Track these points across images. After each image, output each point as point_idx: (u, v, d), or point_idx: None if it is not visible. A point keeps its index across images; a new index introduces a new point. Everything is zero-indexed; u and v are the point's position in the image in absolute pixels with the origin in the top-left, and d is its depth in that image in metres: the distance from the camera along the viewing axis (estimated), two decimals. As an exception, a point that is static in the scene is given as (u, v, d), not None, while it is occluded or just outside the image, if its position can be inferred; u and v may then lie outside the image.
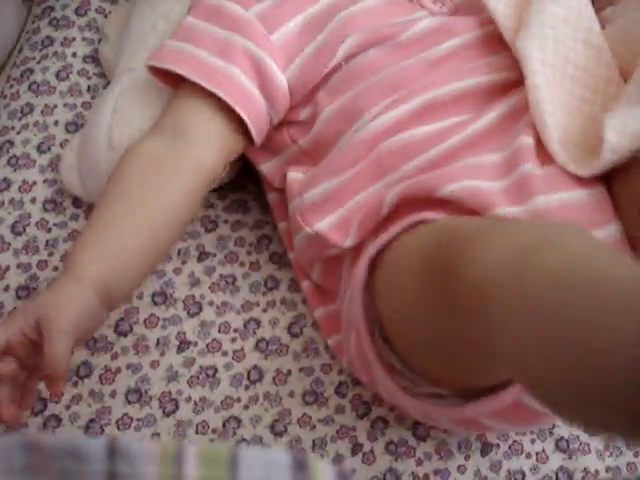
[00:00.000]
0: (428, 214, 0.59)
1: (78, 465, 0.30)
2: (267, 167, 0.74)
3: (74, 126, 0.82)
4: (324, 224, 0.66)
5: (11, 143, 0.81)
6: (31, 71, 0.85)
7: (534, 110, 0.62)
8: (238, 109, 0.67)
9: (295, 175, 0.70)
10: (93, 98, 0.84)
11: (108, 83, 0.85)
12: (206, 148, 0.68)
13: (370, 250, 0.61)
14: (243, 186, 0.80)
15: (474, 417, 0.61)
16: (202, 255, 0.76)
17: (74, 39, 0.87)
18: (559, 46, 0.65)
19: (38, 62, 0.86)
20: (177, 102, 0.70)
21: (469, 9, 0.76)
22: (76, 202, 0.78)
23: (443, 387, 0.61)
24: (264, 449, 0.33)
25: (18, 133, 0.81)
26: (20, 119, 0.82)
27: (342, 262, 0.68)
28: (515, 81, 0.67)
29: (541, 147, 0.62)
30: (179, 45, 0.70)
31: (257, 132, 0.69)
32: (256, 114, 0.69)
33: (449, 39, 0.70)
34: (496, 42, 0.70)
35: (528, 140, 0.61)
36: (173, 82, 0.71)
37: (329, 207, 0.66)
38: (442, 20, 0.72)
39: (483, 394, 0.59)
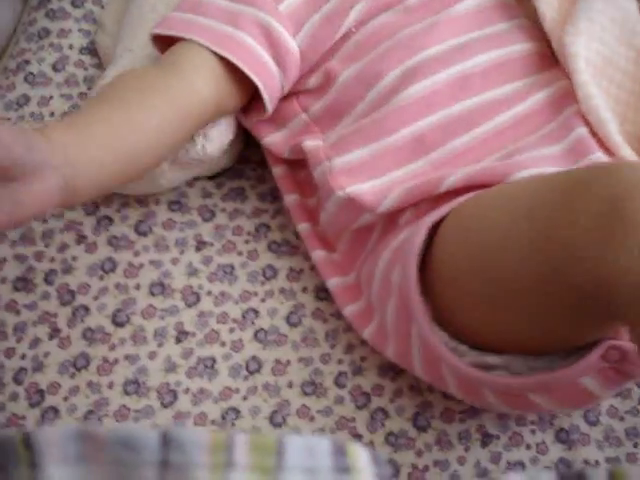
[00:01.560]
0: None
1: (132, 455, 0.30)
2: (273, 139, 0.73)
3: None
4: (359, 188, 0.65)
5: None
6: (27, 62, 0.85)
7: (585, 106, 0.64)
8: (252, 76, 0.67)
9: (315, 142, 0.69)
10: (89, 89, 0.83)
11: (105, 73, 0.84)
12: (201, 80, 0.67)
13: (431, 217, 0.60)
14: (241, 173, 0.79)
15: (535, 388, 0.58)
16: (200, 245, 0.75)
17: (70, 30, 0.87)
18: (603, 47, 0.66)
19: (34, 53, 0.85)
20: (177, 48, 0.69)
21: None
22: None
23: (509, 351, 0.58)
24: (306, 436, 0.33)
25: (14, 125, 0.81)
26: (16, 110, 0.82)
27: (368, 234, 0.68)
28: (545, 54, 0.69)
29: (597, 139, 0.64)
30: (185, 15, 0.70)
31: (270, 99, 0.69)
32: (269, 80, 0.68)
33: (460, 1, 0.71)
34: (511, 5, 0.73)
35: (584, 131, 0.64)
36: None
37: (366, 173, 0.66)
38: None
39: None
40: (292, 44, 0.69)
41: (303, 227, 0.73)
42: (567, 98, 0.66)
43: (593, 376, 0.56)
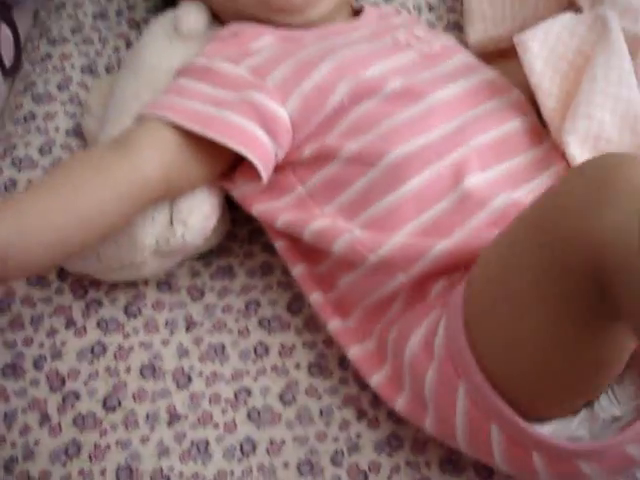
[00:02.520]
0: None
1: None
2: (264, 208, 0.73)
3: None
4: (391, 247, 0.65)
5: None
6: (14, 147, 0.85)
7: None
8: (241, 149, 0.68)
9: (324, 222, 0.69)
10: (76, 171, 0.84)
11: (91, 155, 0.85)
12: (149, 157, 0.67)
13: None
14: (228, 250, 0.79)
15: (589, 455, 0.58)
16: (190, 325, 0.75)
17: (56, 113, 0.88)
18: (603, 142, 0.68)
19: (21, 137, 0.86)
20: (139, 125, 0.70)
21: (457, 49, 0.81)
22: (61, 275, 0.77)
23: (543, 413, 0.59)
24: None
25: (2, 209, 0.81)
26: (4, 195, 0.82)
27: (390, 301, 0.67)
28: (536, 126, 0.73)
29: None
30: (171, 98, 0.71)
31: (264, 168, 0.69)
32: (261, 151, 0.69)
33: (451, 83, 0.73)
34: (500, 84, 0.76)
35: None
36: None
37: (394, 237, 0.66)
38: (429, 60, 0.75)
39: None
40: (280, 112, 0.70)
41: (315, 297, 0.72)
42: None
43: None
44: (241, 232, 0.76)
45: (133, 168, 0.66)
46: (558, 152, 0.70)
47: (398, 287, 0.66)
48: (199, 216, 0.72)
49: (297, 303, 0.74)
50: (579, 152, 0.67)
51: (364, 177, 0.69)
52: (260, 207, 0.73)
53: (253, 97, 0.69)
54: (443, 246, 0.63)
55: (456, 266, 0.63)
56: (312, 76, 0.71)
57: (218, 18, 0.85)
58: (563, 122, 0.68)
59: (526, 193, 0.67)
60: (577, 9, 0.79)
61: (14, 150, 0.85)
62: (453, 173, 0.67)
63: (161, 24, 0.84)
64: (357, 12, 0.87)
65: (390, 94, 0.71)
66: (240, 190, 0.73)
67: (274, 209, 0.72)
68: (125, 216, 0.67)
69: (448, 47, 0.80)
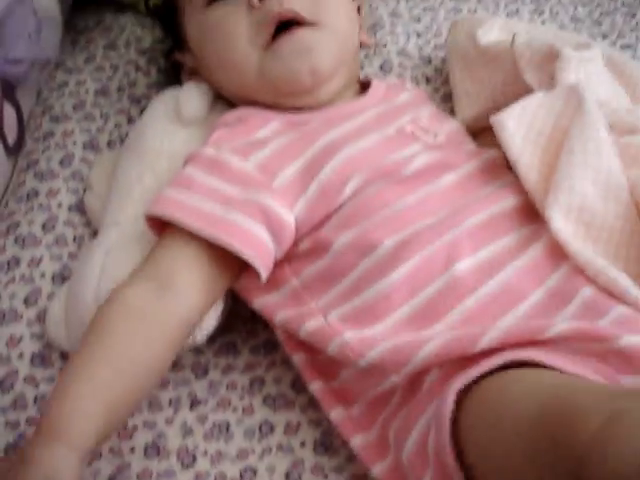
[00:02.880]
0: (531, 353, 0.58)
1: None
2: (263, 303, 0.73)
3: (61, 278, 0.82)
4: (380, 352, 0.64)
5: (-3, 298, 0.81)
6: (17, 224, 0.86)
7: (592, 271, 0.65)
8: (245, 253, 0.67)
9: (317, 322, 0.68)
10: (79, 248, 0.84)
11: (94, 232, 0.85)
12: (189, 301, 0.68)
13: (458, 383, 0.58)
14: (232, 327, 0.79)
15: None
16: (194, 403, 0.74)
17: (59, 190, 0.88)
18: (587, 213, 0.68)
19: (24, 215, 0.87)
20: (163, 246, 0.70)
21: (460, 138, 0.81)
22: (64, 356, 0.77)
23: None
24: None
25: (5, 287, 0.81)
26: (7, 272, 0.82)
27: (390, 393, 0.66)
28: (526, 204, 0.71)
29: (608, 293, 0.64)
30: (178, 193, 0.70)
31: (265, 271, 0.69)
32: (263, 254, 0.69)
33: (450, 171, 0.74)
34: (496, 169, 0.76)
35: (590, 291, 0.64)
36: (162, 229, 0.71)
37: (381, 340, 0.65)
38: (440, 154, 0.75)
39: None
40: (288, 218, 0.70)
41: (316, 386, 0.71)
42: (558, 253, 0.67)
43: None
44: (244, 310, 0.76)
45: (179, 305, 0.67)
46: (545, 226, 0.70)
47: (393, 385, 0.66)
48: (213, 316, 0.72)
49: (301, 381, 0.73)
50: (562, 225, 0.67)
51: (358, 267, 0.69)
52: (259, 302, 0.73)
53: (261, 199, 0.69)
54: (432, 346, 0.62)
55: (447, 359, 0.62)
56: (319, 179, 0.71)
57: (222, 97, 0.86)
58: (546, 197, 0.69)
59: (514, 270, 0.67)
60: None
61: (17, 228, 0.85)
62: (444, 257, 0.67)
63: (164, 103, 0.85)
64: (364, 84, 0.87)
65: (404, 177, 0.72)
66: (239, 283, 0.73)
67: (272, 305, 0.72)
68: (179, 345, 0.69)
69: (451, 137, 0.81)
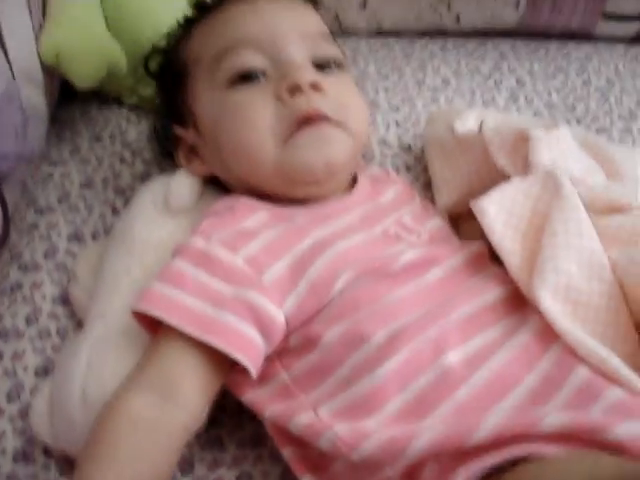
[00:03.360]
0: (530, 447, 0.58)
1: None
2: (252, 397, 0.72)
3: (44, 371, 0.81)
4: (373, 444, 0.63)
5: (-22, 393, 0.79)
6: (0, 317, 0.85)
7: (584, 351, 0.65)
8: (238, 356, 0.67)
9: (307, 416, 0.67)
10: (63, 340, 0.84)
11: (79, 323, 0.85)
12: (193, 408, 0.68)
13: (461, 478, 0.58)
14: (218, 421, 0.78)
15: None
16: (180, 499, 0.73)
17: (43, 282, 0.88)
18: (574, 292, 0.69)
19: (7, 307, 0.86)
20: (160, 350, 0.69)
21: (443, 234, 0.83)
22: (47, 453, 0.76)
23: None
24: None
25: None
26: (-11, 371, 0.81)
27: None
28: (513, 294, 0.72)
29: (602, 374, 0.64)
30: (168, 290, 0.70)
31: (255, 370, 0.69)
32: (254, 354, 0.68)
33: (436, 266, 0.74)
34: (480, 261, 0.77)
35: (585, 372, 0.64)
36: (152, 325, 0.71)
37: (373, 432, 0.64)
38: (425, 250, 0.76)
39: None
40: (278, 315, 0.70)
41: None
42: (547, 335, 0.67)
43: None
44: (230, 402, 0.75)
45: (184, 414, 0.67)
46: (534, 309, 0.70)
47: (388, 477, 0.65)
48: None
49: (290, 475, 0.72)
50: (551, 304, 0.68)
51: (348, 361, 0.68)
52: (249, 396, 0.72)
53: (251, 297, 0.69)
54: (425, 438, 0.61)
55: (442, 451, 0.62)
56: (308, 276, 0.71)
57: (212, 182, 0.86)
58: (531, 279, 0.70)
59: (504, 357, 0.67)
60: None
61: (0, 321, 0.85)
62: (433, 349, 0.67)
63: (151, 193, 0.85)
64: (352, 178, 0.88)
65: (393, 272, 0.73)
66: (229, 378, 0.72)
67: (262, 399, 0.71)
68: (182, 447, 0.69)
69: (435, 234, 0.82)
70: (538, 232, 0.73)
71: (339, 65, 0.84)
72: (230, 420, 0.79)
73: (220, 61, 0.81)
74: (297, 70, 0.78)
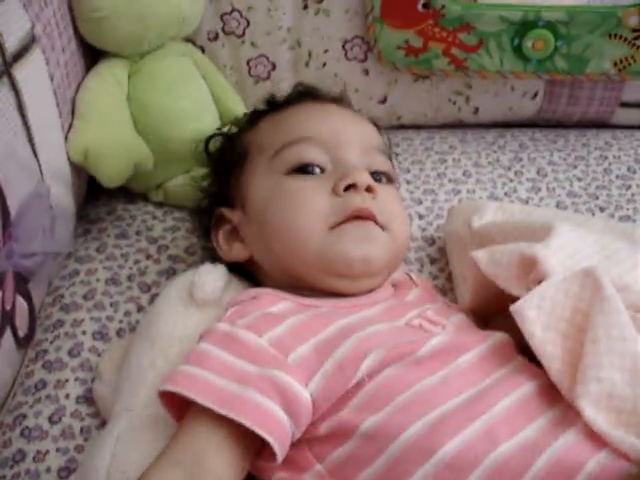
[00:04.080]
0: None
1: None
2: None
3: (66, 471, 0.80)
4: None
5: (1, 494, 0.78)
6: (24, 416, 0.85)
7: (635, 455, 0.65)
8: (262, 432, 0.66)
9: None
10: (86, 440, 0.83)
11: (102, 423, 0.84)
12: (221, 466, 0.67)
13: None
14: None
15: None
16: None
17: (67, 380, 0.88)
18: (614, 400, 0.68)
19: (31, 406, 0.86)
20: (186, 429, 0.69)
21: (468, 325, 0.83)
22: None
23: None
24: None
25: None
26: (12, 467, 0.80)
27: None
28: (545, 387, 0.71)
29: None
30: (193, 370, 0.70)
31: (281, 452, 0.68)
32: (282, 435, 0.68)
33: (465, 352, 0.74)
34: (507, 350, 0.77)
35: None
36: (178, 411, 0.71)
37: None
38: (452, 337, 0.77)
39: None
40: (304, 394, 0.69)
41: None
42: (593, 440, 0.66)
43: None
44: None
45: None
46: (574, 410, 0.69)
47: None
48: None
49: None
50: (594, 414, 0.67)
51: (385, 453, 0.67)
52: (280, 476, 0.71)
53: (276, 375, 0.69)
54: None
55: None
56: (334, 355, 0.72)
57: (237, 275, 0.88)
58: (573, 383, 0.69)
59: (560, 448, 0.66)
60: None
61: (24, 420, 0.84)
62: (484, 441, 0.66)
63: (176, 287, 0.86)
64: None
65: (421, 358, 0.73)
66: (255, 463, 0.72)
67: None
68: None
69: (459, 325, 0.82)
70: (579, 332, 0.72)
71: (389, 179, 0.90)
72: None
73: (284, 150, 0.86)
74: (356, 171, 0.84)
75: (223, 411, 0.67)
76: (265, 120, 0.94)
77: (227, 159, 0.94)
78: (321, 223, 0.81)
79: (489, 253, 0.81)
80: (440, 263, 1.00)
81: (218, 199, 0.94)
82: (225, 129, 1.05)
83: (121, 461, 0.72)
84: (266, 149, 0.88)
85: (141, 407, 0.76)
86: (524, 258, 0.79)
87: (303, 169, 0.85)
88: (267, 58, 1.21)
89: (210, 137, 1.03)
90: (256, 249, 0.87)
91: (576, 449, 0.66)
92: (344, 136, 0.87)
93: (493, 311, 0.84)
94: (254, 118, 0.97)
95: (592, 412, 0.67)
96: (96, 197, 1.13)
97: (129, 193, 1.13)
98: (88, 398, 0.87)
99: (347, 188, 0.82)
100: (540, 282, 0.76)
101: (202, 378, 0.69)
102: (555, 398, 0.71)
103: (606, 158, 1.23)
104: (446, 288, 0.92)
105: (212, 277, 0.84)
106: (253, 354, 0.71)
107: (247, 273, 0.91)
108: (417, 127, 1.30)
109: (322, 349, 0.72)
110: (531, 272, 0.77)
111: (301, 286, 0.83)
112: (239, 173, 0.91)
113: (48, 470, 0.80)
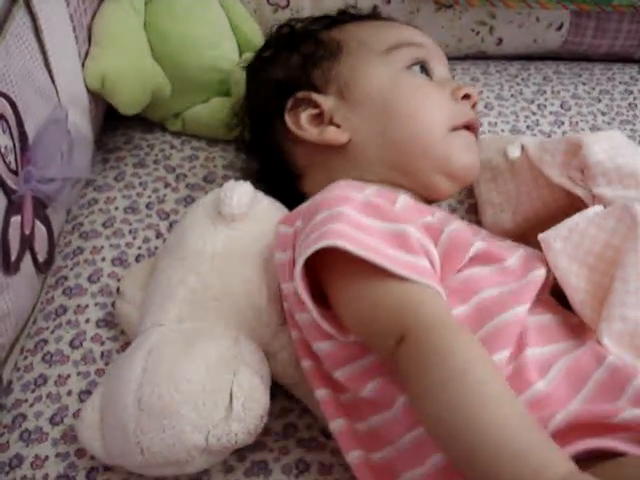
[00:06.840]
0: (604, 442, 0.59)
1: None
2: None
3: (87, 394, 0.81)
4: None
5: (23, 416, 0.79)
6: (45, 341, 0.85)
7: None
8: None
9: None
10: (107, 364, 0.84)
11: (123, 346, 0.85)
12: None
13: None
14: (263, 445, 0.77)
15: None
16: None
17: (87, 306, 0.89)
18: (636, 339, 0.69)
19: (52, 332, 0.86)
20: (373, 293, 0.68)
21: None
22: (90, 476, 0.75)
23: None
24: None
25: (31, 406, 0.80)
26: (33, 391, 0.81)
27: None
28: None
29: None
30: (351, 231, 0.67)
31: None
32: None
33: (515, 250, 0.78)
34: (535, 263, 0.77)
35: None
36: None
37: None
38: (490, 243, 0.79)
39: None
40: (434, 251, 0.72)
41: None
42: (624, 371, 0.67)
43: None
44: (275, 425, 0.74)
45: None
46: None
47: None
48: (257, 413, 0.70)
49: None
50: (616, 350, 0.68)
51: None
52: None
53: (426, 244, 0.71)
54: None
55: None
56: (448, 230, 0.75)
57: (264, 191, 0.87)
58: (595, 315, 0.70)
59: (577, 355, 0.69)
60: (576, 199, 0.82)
61: (45, 345, 0.85)
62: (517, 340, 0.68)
63: (204, 206, 0.85)
64: None
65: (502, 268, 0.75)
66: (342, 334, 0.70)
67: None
68: None
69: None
70: (609, 266, 0.72)
71: None
72: (275, 444, 0.78)
73: (401, 48, 0.89)
74: (470, 85, 0.92)
75: (417, 277, 0.66)
76: (354, 24, 0.95)
77: (318, 50, 0.91)
78: (445, 121, 0.85)
79: (538, 141, 0.85)
80: (460, 195, 0.99)
81: (298, 86, 0.90)
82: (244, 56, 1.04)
83: (152, 375, 0.70)
84: (374, 45, 0.90)
85: (173, 322, 0.76)
86: (570, 145, 0.81)
87: (422, 68, 0.89)
88: (286, -15, 1.19)
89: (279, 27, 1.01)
90: (363, 134, 0.86)
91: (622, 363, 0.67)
92: (440, 52, 0.93)
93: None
94: (333, 21, 0.97)
95: (613, 347, 0.68)
96: (114, 127, 1.12)
97: (147, 123, 1.12)
98: (109, 322, 0.87)
99: (464, 98, 0.87)
100: (582, 171, 0.77)
101: (365, 240, 0.67)
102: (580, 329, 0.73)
103: (631, 93, 1.21)
104: (465, 220, 0.91)
105: (238, 192, 0.82)
106: (396, 216, 0.73)
107: (276, 188, 0.89)
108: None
109: (437, 225, 0.75)
110: (574, 161, 0.79)
111: (393, 180, 0.85)
112: (333, 63, 0.90)
113: (69, 393, 0.81)
